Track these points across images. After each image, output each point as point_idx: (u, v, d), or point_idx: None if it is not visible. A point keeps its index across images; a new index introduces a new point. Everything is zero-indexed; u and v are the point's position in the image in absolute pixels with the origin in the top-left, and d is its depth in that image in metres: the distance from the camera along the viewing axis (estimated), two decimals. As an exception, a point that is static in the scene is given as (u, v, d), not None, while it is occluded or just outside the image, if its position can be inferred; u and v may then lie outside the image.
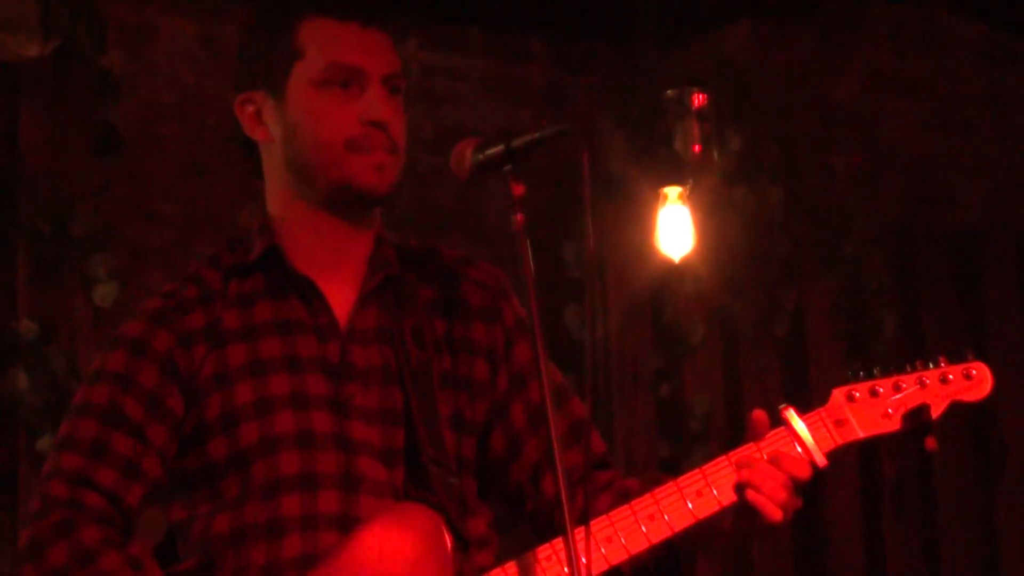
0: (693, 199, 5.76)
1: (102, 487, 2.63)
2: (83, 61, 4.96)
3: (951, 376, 2.77)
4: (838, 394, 2.75)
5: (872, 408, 2.74)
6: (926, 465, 6.27)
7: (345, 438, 2.66)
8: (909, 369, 2.78)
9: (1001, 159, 6.64)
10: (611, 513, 2.66)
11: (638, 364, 6.03)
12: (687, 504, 2.66)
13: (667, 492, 2.67)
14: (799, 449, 2.69)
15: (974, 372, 2.78)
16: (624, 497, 2.70)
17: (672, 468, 5.45)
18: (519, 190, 2.52)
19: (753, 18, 6.24)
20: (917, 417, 2.74)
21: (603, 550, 2.63)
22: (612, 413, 5.93)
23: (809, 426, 2.71)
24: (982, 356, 2.80)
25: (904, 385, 2.76)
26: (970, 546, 6.33)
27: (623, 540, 2.64)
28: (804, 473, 2.66)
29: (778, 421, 2.72)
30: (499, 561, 2.69)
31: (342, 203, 2.72)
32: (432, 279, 2.80)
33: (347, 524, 2.62)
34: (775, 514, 2.64)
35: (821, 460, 2.70)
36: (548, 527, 2.71)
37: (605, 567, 2.64)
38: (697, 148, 5.61)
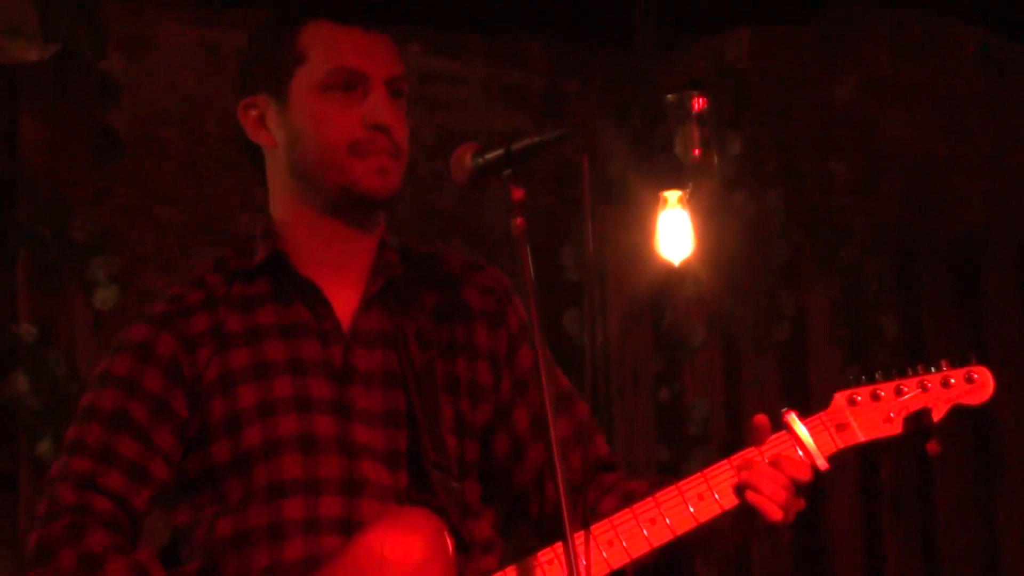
0: (693, 203, 5.76)
1: (109, 491, 2.64)
2: (83, 65, 4.96)
3: (953, 380, 2.77)
4: (840, 398, 2.76)
5: (874, 412, 2.75)
6: (925, 467, 6.27)
7: (348, 441, 2.66)
8: (911, 373, 2.78)
9: (1000, 163, 6.64)
10: (612, 517, 2.67)
11: (638, 368, 6.03)
12: (688, 507, 2.67)
13: (668, 495, 2.68)
14: (800, 453, 2.70)
15: (976, 376, 2.78)
16: (628, 499, 2.70)
17: (672, 472, 5.44)
18: (519, 194, 2.52)
19: (752, 23, 6.24)
20: (918, 421, 2.75)
21: (604, 554, 2.63)
22: (612, 417, 5.93)
23: (811, 430, 2.72)
24: (982, 360, 2.81)
25: (906, 389, 2.76)
26: (970, 548, 6.33)
27: (624, 543, 2.65)
28: (804, 475, 2.67)
29: (780, 425, 2.72)
30: (501, 565, 2.69)
31: (345, 207, 2.72)
32: (436, 283, 2.81)
33: (349, 528, 2.62)
34: (775, 514, 2.64)
35: (823, 464, 2.71)
36: (552, 531, 2.71)
37: (606, 571, 2.64)
38: (697, 152, 5.60)
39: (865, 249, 6.29)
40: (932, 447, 2.74)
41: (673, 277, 5.94)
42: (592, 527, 2.64)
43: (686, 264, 5.84)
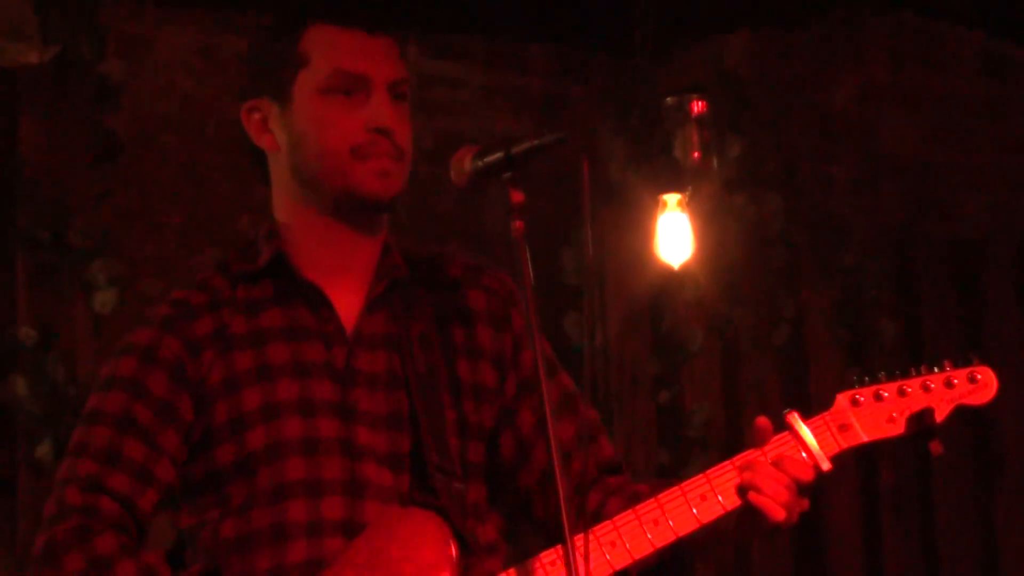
0: (692, 206, 5.76)
1: (116, 493, 2.65)
2: (82, 69, 4.96)
3: (956, 380, 2.77)
4: (842, 399, 2.76)
5: (877, 412, 2.75)
6: (925, 468, 6.27)
7: (350, 443, 2.67)
8: (914, 373, 2.78)
9: (999, 165, 6.65)
10: (615, 518, 2.67)
11: (637, 371, 6.03)
12: (691, 508, 2.67)
13: (671, 496, 2.68)
14: (804, 454, 2.70)
15: (979, 376, 2.78)
16: (634, 501, 2.70)
17: (671, 475, 5.45)
18: (518, 197, 2.53)
19: (752, 26, 6.24)
20: (921, 421, 2.74)
21: (607, 555, 2.64)
22: (611, 420, 5.93)
23: (813, 430, 2.72)
24: (983, 361, 2.80)
25: (909, 389, 2.76)
26: (969, 549, 6.33)
27: (627, 544, 2.65)
28: (806, 476, 2.67)
29: (783, 426, 2.72)
30: (505, 567, 2.70)
31: (348, 210, 2.73)
32: (440, 285, 2.81)
33: (352, 530, 2.63)
34: (778, 514, 2.65)
35: (826, 464, 2.71)
36: (557, 532, 2.71)
37: (609, 571, 2.65)
38: (696, 155, 5.61)
39: (864, 252, 6.29)
40: (935, 447, 2.75)
41: (672, 280, 5.94)
42: (595, 528, 2.65)
43: (686, 267, 5.84)
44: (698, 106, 5.57)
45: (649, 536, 2.66)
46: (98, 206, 5.01)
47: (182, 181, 5.67)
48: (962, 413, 2.78)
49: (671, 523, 2.66)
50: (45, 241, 4.88)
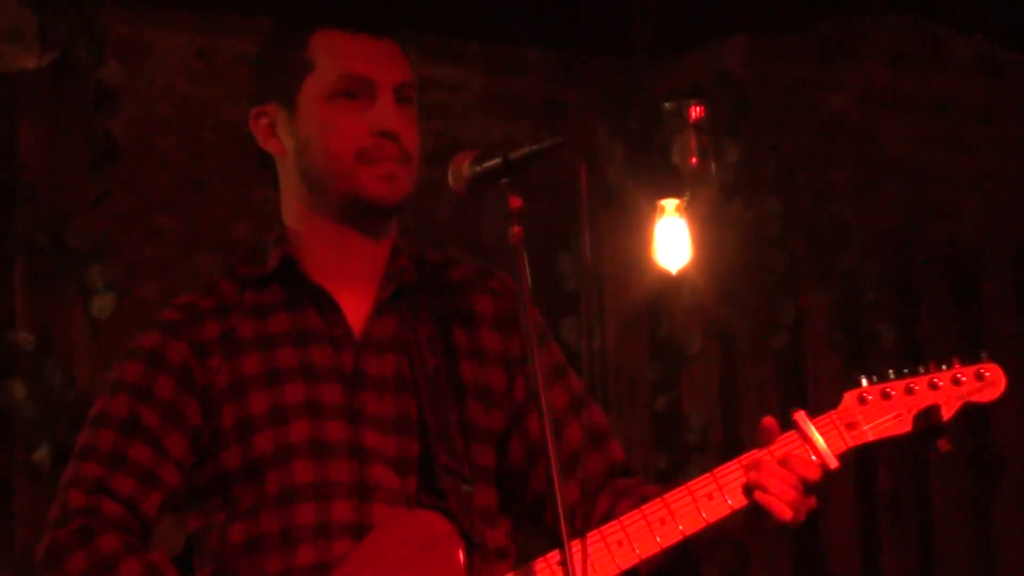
0: (690, 211, 5.76)
1: (120, 495, 2.65)
2: (81, 73, 4.96)
3: (963, 377, 2.77)
4: (849, 397, 2.75)
5: (884, 411, 2.74)
6: (923, 470, 6.27)
7: (358, 447, 2.67)
8: (922, 371, 2.78)
9: (999, 172, 6.65)
10: (622, 518, 2.67)
11: (635, 376, 6.03)
12: (698, 508, 2.67)
13: (678, 496, 2.68)
14: (810, 452, 2.70)
15: (986, 373, 2.78)
16: (642, 503, 2.70)
17: (669, 480, 5.46)
18: (517, 203, 2.53)
19: (750, 30, 6.24)
20: (928, 419, 2.74)
21: (614, 555, 2.64)
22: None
23: (820, 429, 2.72)
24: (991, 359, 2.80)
25: (916, 387, 2.75)
26: (967, 551, 6.33)
27: (633, 544, 2.65)
28: (813, 474, 2.67)
29: (789, 425, 2.72)
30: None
31: (354, 214, 2.73)
32: (449, 289, 2.81)
33: (361, 532, 2.63)
34: (784, 513, 2.64)
35: (833, 463, 2.70)
36: (581, 533, 2.71)
37: (616, 571, 2.64)
38: (695, 160, 5.61)
39: (863, 256, 6.29)
40: (943, 445, 2.74)
41: (671, 285, 5.94)
42: (602, 528, 2.65)
43: (684, 272, 5.84)
44: (696, 111, 5.58)
45: (656, 536, 2.65)
46: (96, 210, 5.01)
47: (181, 185, 5.68)
48: (971, 411, 2.77)
49: (678, 522, 2.66)
50: (43, 245, 4.88)
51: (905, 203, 6.51)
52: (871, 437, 2.74)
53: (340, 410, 2.68)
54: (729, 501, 2.68)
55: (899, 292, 6.38)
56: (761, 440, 2.71)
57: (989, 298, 6.44)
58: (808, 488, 2.67)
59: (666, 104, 5.63)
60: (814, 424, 2.72)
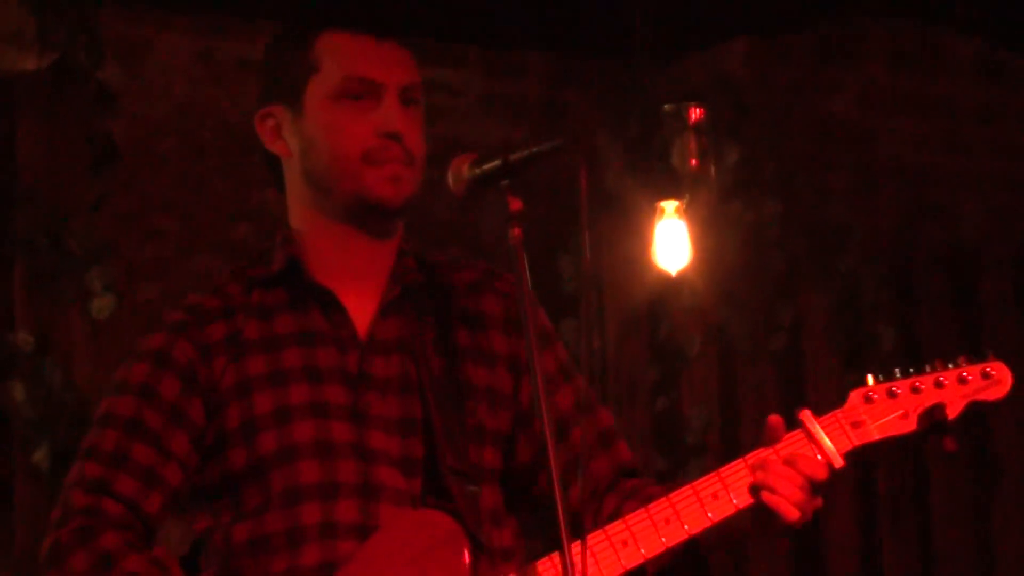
0: (690, 213, 5.76)
1: (121, 495, 2.66)
2: (80, 74, 4.97)
3: (969, 376, 2.77)
4: (855, 396, 2.75)
5: (889, 409, 2.74)
6: (922, 471, 6.27)
7: (363, 447, 2.67)
8: (928, 370, 2.78)
9: (998, 173, 6.65)
10: (627, 517, 2.67)
11: (635, 378, 6.03)
12: (703, 507, 2.67)
13: (683, 495, 2.68)
14: (816, 451, 2.69)
15: (992, 372, 2.77)
16: (647, 502, 2.70)
17: (669, 481, 5.46)
18: (516, 205, 2.53)
19: (750, 33, 6.25)
20: (933, 417, 2.74)
21: (619, 554, 2.63)
22: (609, 427, 5.92)
23: (825, 428, 2.72)
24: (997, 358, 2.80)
25: (921, 386, 2.75)
26: (967, 552, 6.33)
27: (639, 543, 2.65)
28: (820, 474, 2.67)
29: (794, 424, 2.72)
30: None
31: (359, 215, 2.74)
32: (455, 290, 2.81)
33: (366, 533, 2.63)
34: (792, 514, 2.65)
35: (838, 462, 2.70)
36: (580, 535, 2.71)
37: (621, 571, 2.65)
38: (694, 162, 5.61)
39: (862, 258, 6.29)
40: (949, 444, 2.74)
41: (670, 287, 5.94)
42: (607, 527, 2.66)
43: (683, 274, 5.84)
44: (696, 113, 5.57)
45: (661, 535, 2.66)
46: (96, 212, 5.01)
47: (180, 187, 5.68)
48: (980, 410, 2.77)
49: (683, 522, 2.66)
50: (43, 247, 4.88)
51: (904, 204, 6.51)
52: (876, 436, 2.74)
53: (345, 411, 2.68)
54: (734, 500, 2.68)
55: (899, 293, 6.38)
56: (766, 439, 2.71)
57: (989, 298, 6.44)
58: (815, 488, 2.67)
59: (666, 106, 5.63)
60: (819, 423, 2.72)
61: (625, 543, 2.65)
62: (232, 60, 5.63)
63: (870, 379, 2.76)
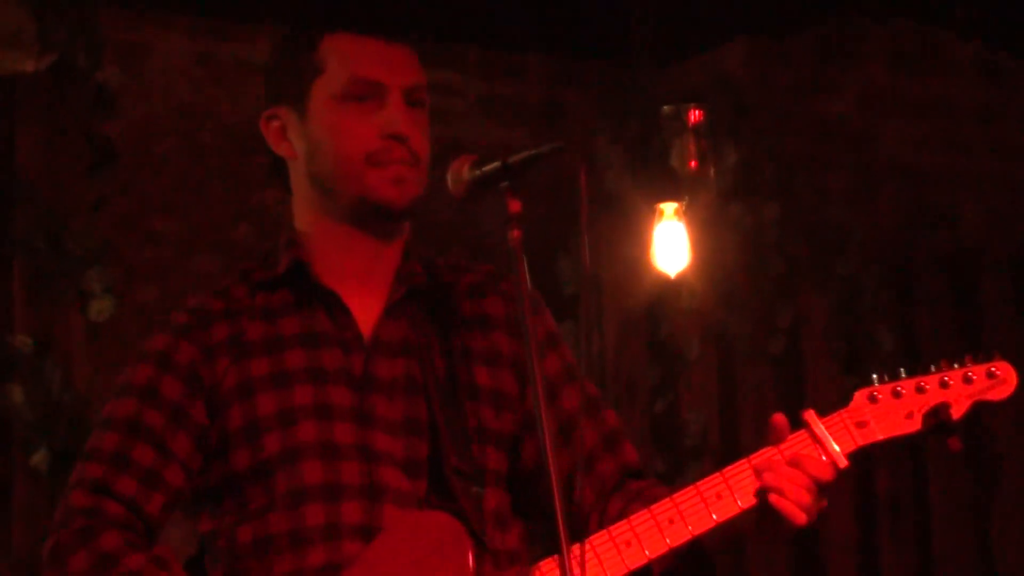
0: (689, 215, 5.76)
1: (122, 496, 2.66)
2: (79, 76, 4.96)
3: (974, 376, 2.76)
4: (860, 396, 2.74)
5: (894, 410, 2.74)
6: (921, 473, 6.28)
7: (368, 448, 2.67)
8: (933, 370, 2.77)
9: (997, 174, 6.65)
10: (631, 517, 2.67)
11: (633, 380, 6.03)
12: (707, 507, 2.67)
13: (687, 496, 2.68)
14: (821, 452, 2.69)
15: (997, 371, 2.77)
16: (651, 503, 2.70)
17: (667, 484, 5.45)
18: (516, 207, 2.53)
19: (750, 35, 6.25)
20: (937, 416, 2.73)
21: (622, 554, 2.63)
22: (608, 428, 5.91)
23: (830, 428, 2.71)
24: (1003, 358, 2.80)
25: (926, 386, 2.75)
26: (966, 553, 6.33)
27: (643, 544, 2.65)
28: (826, 475, 2.66)
29: (798, 425, 2.71)
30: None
31: (363, 217, 2.74)
32: (460, 292, 2.81)
33: (370, 534, 2.63)
34: (799, 518, 2.64)
35: (843, 462, 2.69)
36: (579, 537, 2.71)
37: (624, 571, 2.64)
38: (693, 164, 5.61)
39: (862, 260, 6.29)
40: (954, 444, 2.73)
41: (669, 289, 5.94)
42: (611, 528, 2.65)
43: (682, 276, 5.84)
44: (695, 115, 5.58)
45: (665, 536, 2.65)
46: (95, 213, 5.01)
47: (179, 188, 5.68)
48: (985, 410, 2.76)
49: (687, 523, 2.66)
50: (42, 248, 4.88)
51: (904, 205, 6.51)
52: (881, 436, 2.73)
53: (349, 412, 2.68)
54: (739, 501, 2.67)
55: (898, 294, 6.38)
56: (771, 438, 2.70)
57: (988, 299, 6.44)
58: (821, 489, 2.66)
59: (665, 107, 5.63)
60: (824, 423, 2.71)
61: (629, 543, 2.64)
62: (232, 62, 5.63)
63: (875, 379, 2.76)
